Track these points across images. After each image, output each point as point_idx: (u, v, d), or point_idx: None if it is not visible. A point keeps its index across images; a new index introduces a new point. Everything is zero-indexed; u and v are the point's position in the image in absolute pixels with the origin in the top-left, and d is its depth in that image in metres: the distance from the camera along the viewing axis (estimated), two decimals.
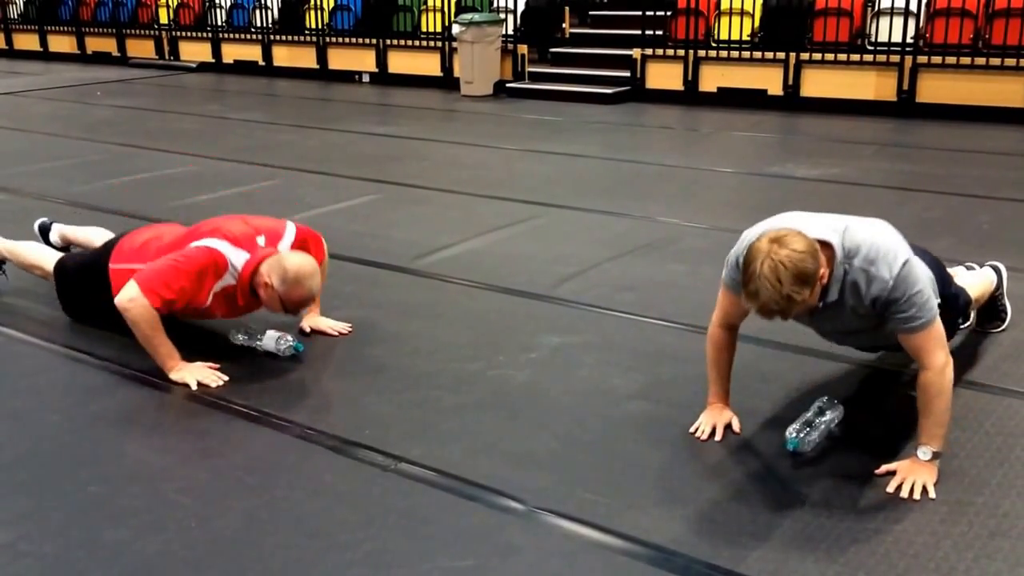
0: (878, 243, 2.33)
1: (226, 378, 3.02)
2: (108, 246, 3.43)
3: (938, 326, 2.35)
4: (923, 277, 2.35)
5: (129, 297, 2.97)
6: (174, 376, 3.01)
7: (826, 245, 2.29)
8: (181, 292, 3.00)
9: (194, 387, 2.97)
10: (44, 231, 4.06)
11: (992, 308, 3.25)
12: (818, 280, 2.22)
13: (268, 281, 3.00)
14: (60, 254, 3.67)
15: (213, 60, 12.42)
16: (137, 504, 2.36)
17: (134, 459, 2.61)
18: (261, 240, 3.14)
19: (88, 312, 3.47)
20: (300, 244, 3.25)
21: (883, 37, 8.15)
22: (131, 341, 3.08)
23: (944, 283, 2.62)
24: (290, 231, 3.25)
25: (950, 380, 2.35)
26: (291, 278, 2.97)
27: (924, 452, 2.37)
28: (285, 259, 3.02)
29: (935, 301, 2.37)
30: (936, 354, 2.33)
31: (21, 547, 2.19)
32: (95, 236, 3.87)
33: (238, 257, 3.07)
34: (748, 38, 8.75)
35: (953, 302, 2.72)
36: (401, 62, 10.84)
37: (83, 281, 3.45)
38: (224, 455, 2.62)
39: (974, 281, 3.09)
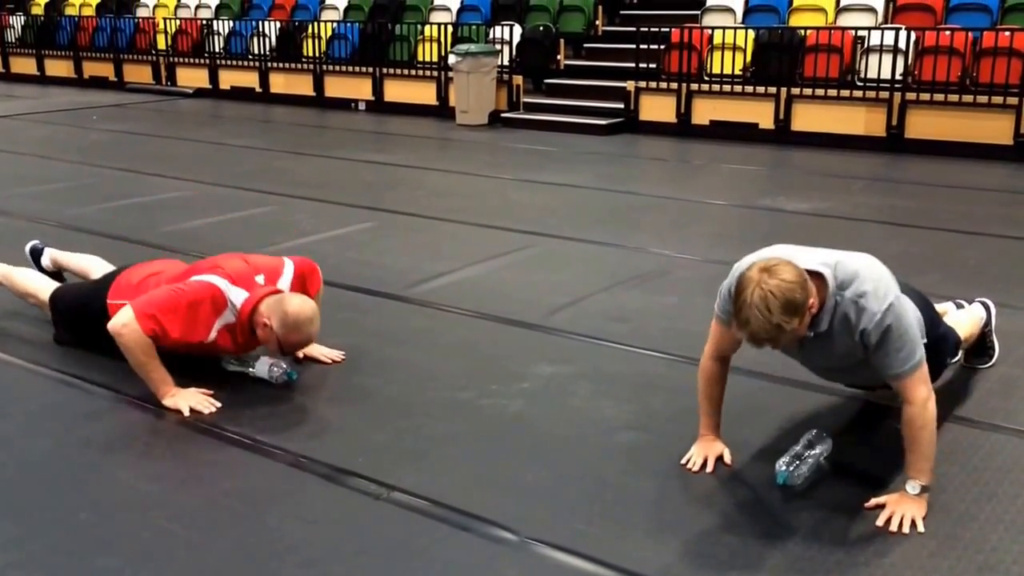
0: (869, 276, 2.36)
1: (219, 404, 3.02)
2: (107, 280, 3.43)
3: (923, 369, 2.37)
4: (911, 318, 2.38)
5: (122, 322, 2.98)
6: (167, 402, 3.01)
7: (817, 276, 2.32)
8: (175, 319, 3.00)
9: (187, 413, 2.97)
10: (35, 255, 4.05)
11: (980, 344, 3.28)
12: (807, 309, 2.25)
13: (267, 322, 3.01)
14: (55, 284, 3.67)
15: (210, 86, 12.50)
16: (128, 531, 2.35)
17: (125, 485, 2.60)
18: (260, 279, 3.16)
19: (82, 343, 3.47)
20: (299, 280, 3.27)
21: (872, 74, 8.27)
22: (123, 366, 3.08)
23: (933, 323, 2.63)
24: (288, 268, 3.27)
25: (933, 413, 2.37)
26: (291, 322, 2.99)
27: (912, 486, 2.38)
28: (286, 302, 3.03)
29: (921, 343, 2.39)
30: (919, 389, 2.36)
31: (10, 574, 2.17)
32: (89, 265, 3.85)
33: (237, 295, 3.08)
34: (740, 73, 8.86)
35: (942, 343, 2.74)
36: (397, 91, 10.93)
37: (80, 314, 3.45)
38: (216, 482, 2.62)
39: (964, 319, 3.11)
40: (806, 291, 2.22)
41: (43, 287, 3.64)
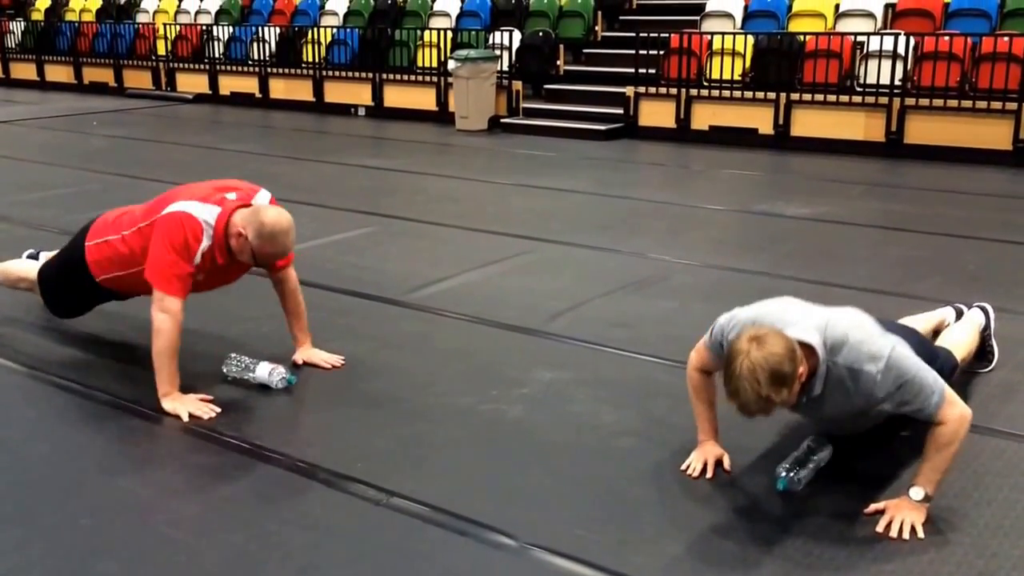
0: (858, 338, 2.35)
1: (218, 410, 3.02)
2: (83, 229, 3.42)
3: (947, 394, 2.36)
4: (911, 357, 2.37)
5: (163, 306, 2.95)
6: (166, 405, 3.01)
7: (806, 345, 2.32)
8: (183, 263, 2.97)
9: (185, 419, 2.96)
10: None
11: (980, 349, 3.27)
12: (796, 379, 2.26)
13: (242, 232, 2.95)
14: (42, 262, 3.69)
15: (210, 92, 12.51)
16: (127, 537, 2.35)
17: (124, 491, 2.59)
18: (231, 196, 3.08)
19: (74, 303, 3.46)
20: None
21: (872, 79, 8.28)
22: (122, 370, 3.08)
23: (929, 357, 2.59)
24: (264, 193, 3.18)
25: (964, 432, 2.36)
26: (267, 232, 2.93)
27: (917, 492, 2.38)
28: (262, 212, 2.98)
29: (931, 374, 2.38)
30: (949, 412, 2.34)
31: None
32: None
33: (210, 213, 3.01)
34: (739, 78, 8.87)
35: (938, 373, 2.72)
36: (397, 96, 10.95)
37: (64, 268, 3.44)
38: (215, 488, 2.62)
39: (962, 338, 3.10)
40: (794, 362, 2.23)
41: (30, 267, 3.67)
